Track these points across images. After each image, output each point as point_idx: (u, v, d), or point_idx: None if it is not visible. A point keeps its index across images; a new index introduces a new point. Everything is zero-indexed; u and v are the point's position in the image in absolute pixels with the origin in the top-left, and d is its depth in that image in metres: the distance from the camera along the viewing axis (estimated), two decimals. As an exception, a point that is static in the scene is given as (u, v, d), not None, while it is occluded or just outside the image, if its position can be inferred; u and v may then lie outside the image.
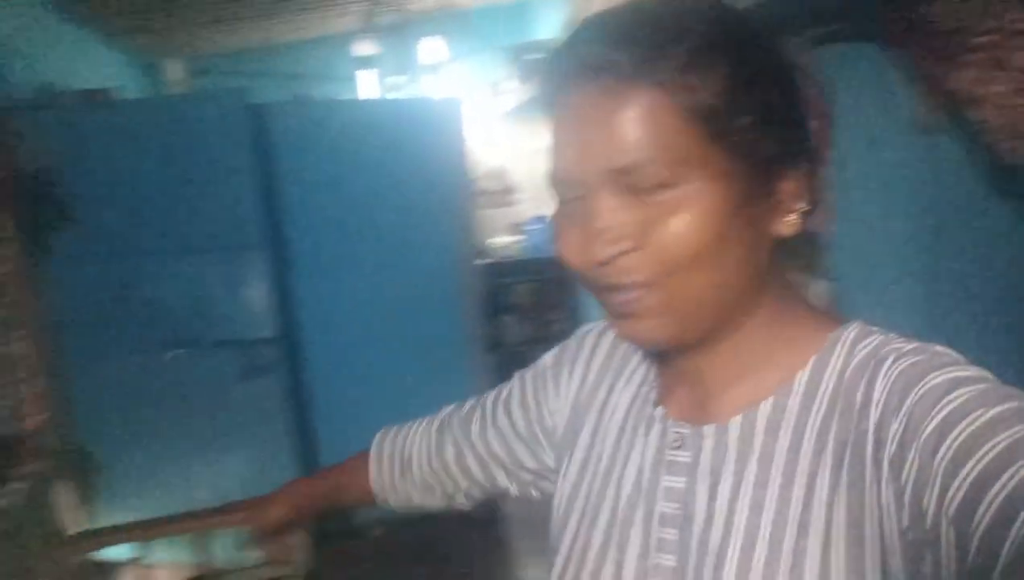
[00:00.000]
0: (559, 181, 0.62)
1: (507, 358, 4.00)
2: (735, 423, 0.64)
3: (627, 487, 0.71)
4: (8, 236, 2.66)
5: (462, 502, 1.01)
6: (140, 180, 3.00)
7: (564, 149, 0.60)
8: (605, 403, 0.77)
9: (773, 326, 0.65)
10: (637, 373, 0.76)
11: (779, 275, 0.65)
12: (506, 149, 4.77)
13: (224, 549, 3.00)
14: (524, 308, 4.78)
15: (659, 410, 0.71)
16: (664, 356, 0.71)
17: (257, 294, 3.06)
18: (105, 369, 3.17)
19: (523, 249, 4.83)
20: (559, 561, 0.75)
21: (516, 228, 4.92)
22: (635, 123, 0.56)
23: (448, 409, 1.01)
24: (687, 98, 0.55)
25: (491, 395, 0.95)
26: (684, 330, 0.62)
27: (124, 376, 3.17)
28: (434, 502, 1.03)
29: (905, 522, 0.55)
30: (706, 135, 0.56)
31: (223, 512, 1.27)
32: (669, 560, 0.65)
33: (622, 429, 0.74)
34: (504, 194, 5.04)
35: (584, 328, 0.85)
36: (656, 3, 0.58)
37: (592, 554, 0.70)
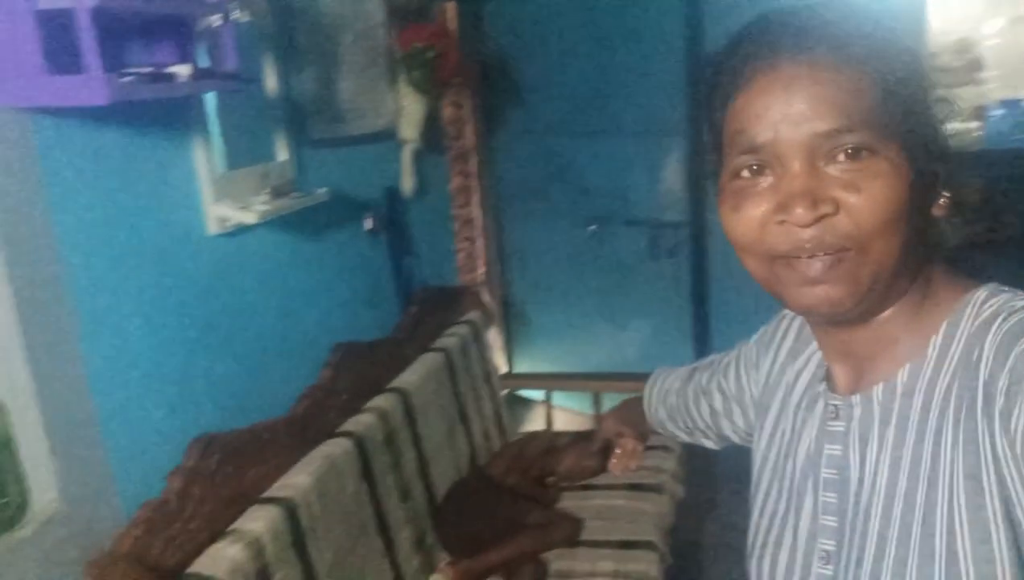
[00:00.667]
0: (754, 147, 0.64)
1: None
2: (878, 391, 0.70)
3: (800, 458, 0.79)
4: (468, 115, 3.10)
5: (702, 441, 1.16)
6: (579, 65, 3.23)
7: (765, 115, 0.63)
8: (789, 383, 0.85)
9: (918, 296, 0.69)
10: (814, 355, 0.83)
11: (930, 251, 0.69)
12: (973, 19, 4.02)
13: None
14: (970, 206, 4.15)
15: (823, 386, 0.78)
16: (826, 333, 0.76)
17: (672, 179, 3.15)
18: (535, 235, 3.60)
19: (979, 138, 4.13)
20: (751, 525, 0.86)
21: (978, 112, 4.20)
22: (844, 92, 0.61)
23: (706, 359, 1.15)
24: (886, 77, 0.62)
25: (721, 356, 1.07)
26: (866, 297, 0.65)
27: (550, 243, 3.56)
28: (680, 433, 1.20)
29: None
30: (900, 111, 0.62)
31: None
32: (831, 521, 0.73)
33: (798, 406, 0.82)
34: (968, 72, 4.31)
35: (783, 311, 0.92)
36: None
37: (777, 520, 0.81)
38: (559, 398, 2.86)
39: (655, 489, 2.39)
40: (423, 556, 2.06)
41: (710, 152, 0.72)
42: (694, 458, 2.65)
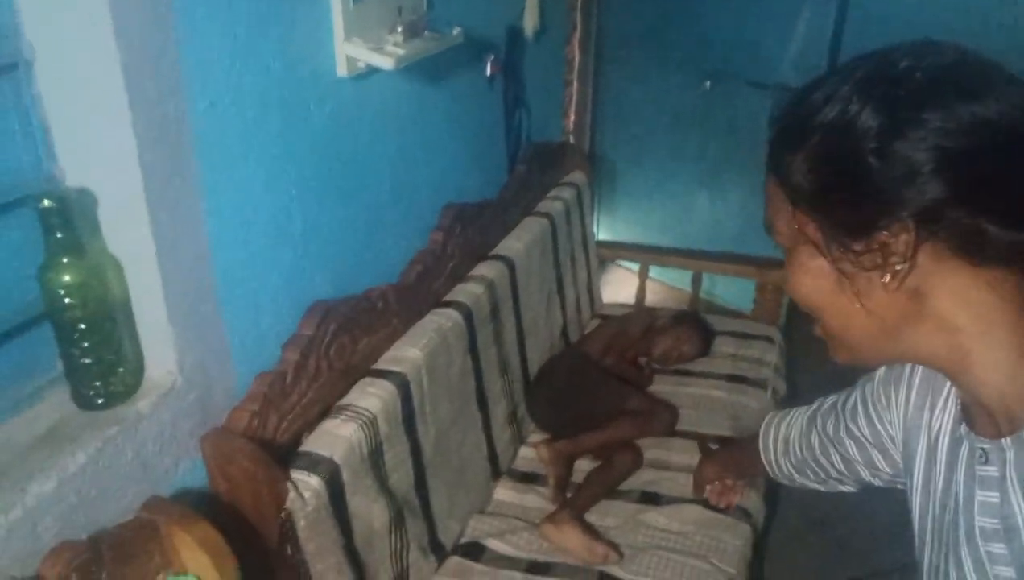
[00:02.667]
0: None
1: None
2: None
3: (951, 506, 0.75)
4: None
5: (839, 488, 1.12)
6: None
7: None
8: (930, 424, 0.82)
9: (998, 335, 0.65)
10: (951, 395, 0.79)
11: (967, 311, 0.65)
12: None
13: (721, 288, 3.15)
14: None
15: (963, 427, 0.74)
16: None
17: (809, 36, 2.78)
18: (639, 87, 3.28)
19: None
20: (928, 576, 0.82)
21: None
22: (769, 196, 0.73)
23: (820, 402, 1.14)
24: (790, 184, 0.68)
25: (843, 398, 1.06)
26: (852, 357, 0.73)
27: (655, 98, 3.26)
28: (810, 484, 1.17)
29: None
30: (801, 211, 0.68)
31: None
32: (1007, 572, 0.68)
33: (943, 450, 0.79)
34: None
35: None
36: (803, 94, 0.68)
37: (941, 574, 0.76)
38: (653, 271, 2.68)
39: (758, 383, 2.26)
40: (514, 429, 1.99)
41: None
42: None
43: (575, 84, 3.04)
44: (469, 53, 1.88)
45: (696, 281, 2.63)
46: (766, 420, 1.28)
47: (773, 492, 2.05)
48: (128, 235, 1.04)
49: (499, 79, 2.09)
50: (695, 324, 2.39)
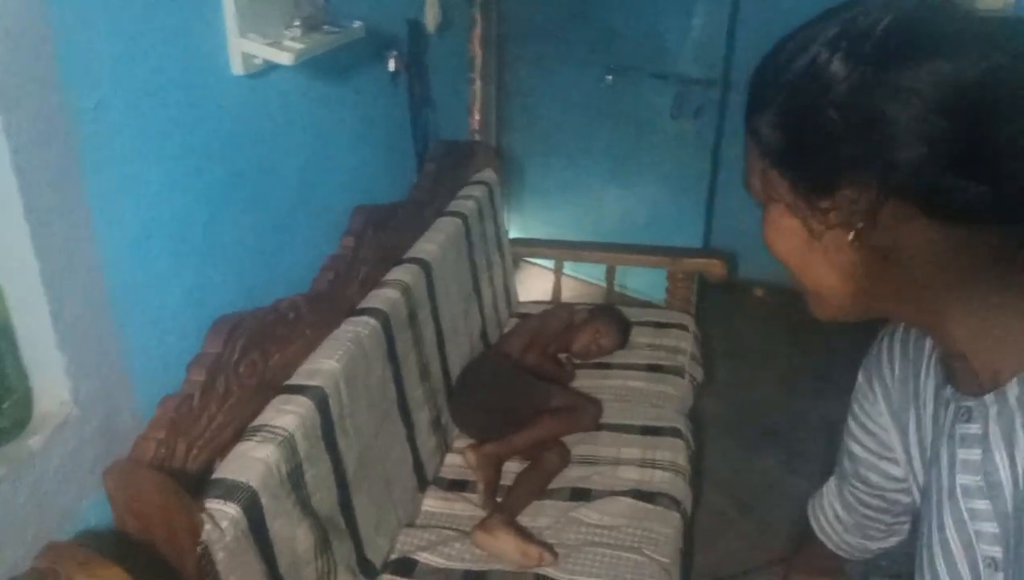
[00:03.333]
0: None
1: None
2: (1012, 387, 0.65)
3: (935, 471, 0.74)
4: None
5: (905, 528, 1.04)
6: None
7: None
8: (916, 394, 0.81)
9: (983, 288, 0.65)
10: (932, 362, 0.78)
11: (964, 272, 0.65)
12: None
13: (633, 281, 3.17)
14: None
15: (948, 389, 0.73)
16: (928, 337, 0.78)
17: (709, 28, 2.84)
18: (543, 82, 3.27)
19: None
20: (919, 545, 0.80)
21: None
22: (747, 154, 0.71)
23: (839, 459, 1.05)
24: (760, 141, 0.67)
25: (843, 439, 0.99)
26: (831, 314, 0.72)
27: (560, 92, 3.26)
28: (884, 540, 1.07)
29: None
30: (772, 169, 0.67)
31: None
32: (990, 527, 0.68)
33: (934, 414, 0.77)
34: None
35: (881, 332, 0.89)
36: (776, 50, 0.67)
37: (933, 536, 0.75)
38: (567, 266, 2.68)
39: (675, 371, 2.28)
40: (439, 437, 1.94)
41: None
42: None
43: (478, 81, 3.00)
44: (371, 49, 1.82)
45: (610, 274, 2.64)
46: (809, 512, 1.19)
47: (698, 476, 2.07)
48: (5, 252, 0.93)
49: (403, 76, 2.03)
50: (612, 317, 2.39)
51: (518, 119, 3.38)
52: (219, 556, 1.11)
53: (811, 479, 2.53)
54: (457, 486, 1.87)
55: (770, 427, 2.80)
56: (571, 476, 1.88)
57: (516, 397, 2.00)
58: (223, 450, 1.25)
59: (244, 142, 1.35)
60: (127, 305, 1.11)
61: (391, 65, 1.93)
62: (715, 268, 2.48)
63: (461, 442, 1.99)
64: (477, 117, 3.07)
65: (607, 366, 2.31)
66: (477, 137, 2.86)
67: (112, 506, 1.07)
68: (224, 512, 1.13)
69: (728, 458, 2.61)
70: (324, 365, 1.47)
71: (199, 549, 1.08)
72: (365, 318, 1.64)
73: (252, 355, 1.32)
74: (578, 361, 2.31)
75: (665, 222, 3.15)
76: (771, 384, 3.08)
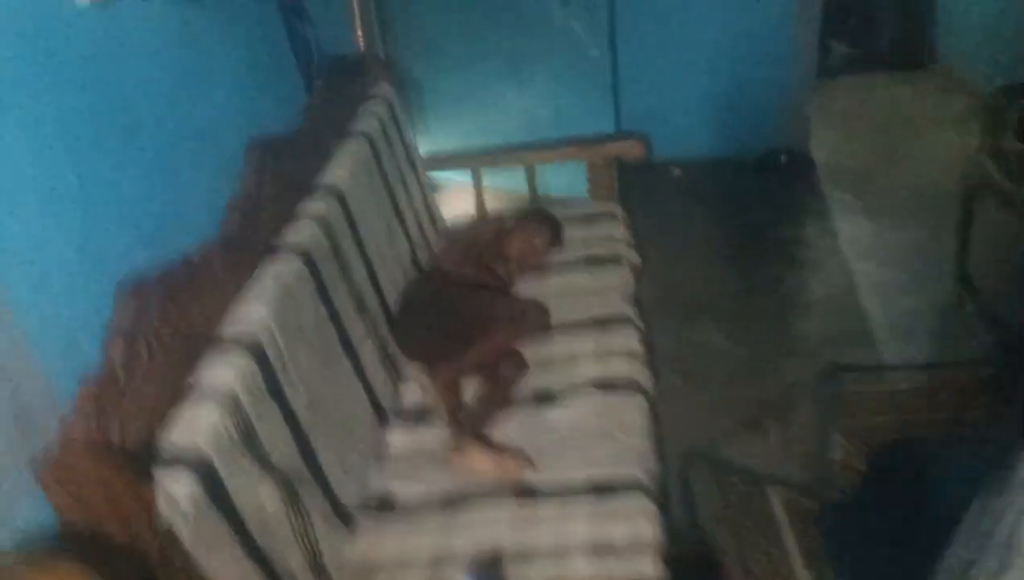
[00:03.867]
0: None
1: None
2: None
3: None
4: None
5: None
6: None
7: None
8: None
9: None
10: None
11: None
12: None
13: (554, 181, 3.08)
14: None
15: None
16: None
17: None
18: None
19: None
20: None
21: None
22: None
23: None
24: None
25: None
26: None
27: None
28: None
29: None
30: None
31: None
32: None
33: None
34: None
35: None
36: None
37: None
38: (484, 179, 2.57)
39: (613, 260, 2.24)
40: (389, 368, 1.85)
41: None
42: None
43: (353, -2, 2.80)
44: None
45: (531, 177, 2.55)
46: None
47: (651, 359, 2.05)
48: None
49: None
50: (542, 217, 2.32)
51: (402, 29, 3.19)
52: (181, 530, 1.01)
53: (750, 345, 2.55)
54: (418, 415, 1.80)
55: (704, 301, 2.82)
56: (532, 382, 1.83)
57: (460, 314, 1.92)
58: (161, 417, 1.13)
59: (104, 82, 1.18)
60: (9, 281, 0.96)
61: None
62: (633, 149, 2.43)
63: (414, 370, 1.91)
64: (359, 31, 2.87)
65: (546, 268, 2.24)
66: (364, 50, 2.67)
67: (52, 502, 0.95)
68: (178, 481, 1.02)
69: (670, 335, 2.62)
70: (252, 312, 1.35)
71: (163, 532, 0.97)
72: (285, 256, 1.51)
73: (169, 312, 1.19)
74: (516, 269, 2.24)
75: (573, 115, 3.06)
76: (698, 259, 3.10)
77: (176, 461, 1.05)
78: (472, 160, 2.54)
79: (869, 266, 2.94)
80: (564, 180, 2.97)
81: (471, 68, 3.19)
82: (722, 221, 3.33)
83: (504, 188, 3.11)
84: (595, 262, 2.23)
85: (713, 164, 3.73)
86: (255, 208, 1.55)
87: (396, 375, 1.88)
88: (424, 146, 3.28)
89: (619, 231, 2.37)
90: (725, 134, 3.70)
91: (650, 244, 2.97)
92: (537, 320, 1.95)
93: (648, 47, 3.39)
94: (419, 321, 1.91)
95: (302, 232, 1.59)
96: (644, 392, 1.78)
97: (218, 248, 1.38)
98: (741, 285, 2.90)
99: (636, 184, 3.11)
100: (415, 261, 2.17)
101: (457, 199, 3.11)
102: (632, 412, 1.70)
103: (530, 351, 1.91)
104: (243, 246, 1.46)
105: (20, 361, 0.96)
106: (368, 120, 2.09)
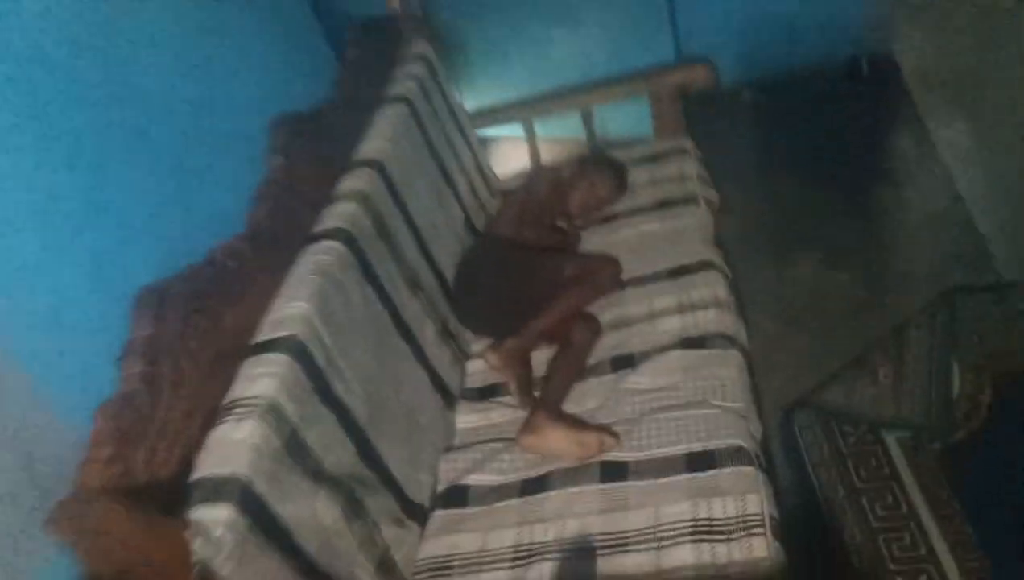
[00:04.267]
0: None
1: None
2: None
3: None
4: None
5: None
6: None
7: None
8: None
9: None
10: None
11: None
12: None
13: (614, 124, 2.87)
14: None
15: None
16: None
17: None
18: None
19: None
20: None
21: None
22: None
23: None
24: None
25: None
26: None
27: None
28: None
29: None
30: None
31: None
32: None
33: None
34: None
35: None
36: None
37: None
38: (539, 129, 2.38)
39: (688, 200, 2.03)
40: (452, 347, 1.72)
41: None
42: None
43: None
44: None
45: (587, 120, 2.35)
46: None
47: (741, 306, 1.85)
48: None
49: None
50: (602, 163, 2.13)
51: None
52: (224, 568, 0.90)
53: (851, 269, 2.26)
54: (488, 393, 1.67)
55: (795, 233, 2.57)
56: (607, 345, 1.67)
57: (524, 280, 1.77)
58: (196, 443, 1.03)
59: (93, 73, 1.06)
60: (12, 308, 0.86)
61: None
62: (700, 75, 2.20)
63: (479, 346, 1.78)
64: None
65: (613, 219, 2.06)
66: (397, 8, 2.51)
67: (76, 556, 0.86)
68: (214, 517, 0.92)
69: (760, 276, 2.39)
70: (292, 310, 1.23)
71: (197, 570, 0.87)
72: (325, 243, 1.39)
73: (197, 322, 1.09)
74: (580, 223, 2.07)
75: (629, 48, 2.82)
76: (781, 189, 2.83)
77: (212, 491, 0.94)
78: (523, 110, 2.35)
79: (973, 175, 2.62)
80: (627, 121, 2.75)
81: (515, 10, 2.97)
82: (804, 144, 3.03)
83: (561, 136, 2.91)
84: (668, 205, 2.03)
85: (786, 82, 3.40)
86: (287, 194, 1.43)
87: (461, 353, 1.76)
88: (471, 102, 3.12)
89: (691, 167, 2.15)
90: (794, 46, 3.37)
91: (727, 178, 2.74)
92: (607, 278, 1.78)
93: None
94: (480, 292, 1.77)
95: (341, 213, 1.46)
96: (737, 345, 1.60)
97: (247, 244, 1.26)
98: (834, 211, 2.63)
99: (703, 115, 2.86)
100: (471, 226, 2.03)
101: (511, 153, 2.94)
102: (726, 369, 1.52)
103: (603, 312, 1.74)
104: (274, 239, 1.34)
105: (27, 405, 0.86)
106: (405, 83, 1.94)
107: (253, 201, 1.35)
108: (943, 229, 2.44)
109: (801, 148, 3.01)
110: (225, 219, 1.30)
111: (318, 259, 1.34)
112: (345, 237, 1.41)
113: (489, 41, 3.11)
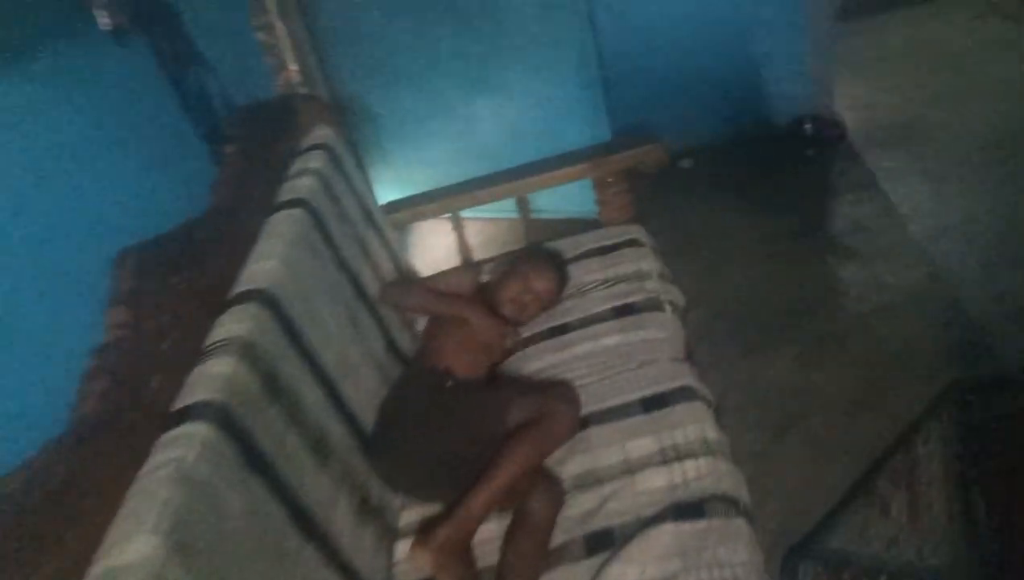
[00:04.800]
0: None
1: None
2: None
3: None
4: None
5: None
6: None
7: None
8: None
9: None
10: None
11: None
12: None
13: (547, 203, 2.54)
14: None
15: None
16: None
17: None
18: (355, 14, 2.56)
19: None
20: None
21: None
22: None
23: None
24: None
25: None
26: None
27: (388, 12, 2.54)
28: None
29: None
30: None
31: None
32: None
33: None
34: None
35: None
36: None
37: None
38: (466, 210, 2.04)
39: (651, 305, 1.71)
40: (375, 524, 1.32)
41: None
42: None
43: (278, 22, 2.29)
44: (58, 5, 1.11)
45: (523, 205, 2.02)
46: None
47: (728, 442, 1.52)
48: None
49: (135, 35, 1.32)
50: (534, 253, 1.82)
51: (344, 58, 2.67)
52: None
53: (833, 364, 1.91)
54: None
55: (764, 323, 2.29)
56: (576, 515, 1.30)
57: (461, 425, 1.39)
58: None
59: None
60: None
61: (104, 21, 1.22)
62: (652, 156, 1.90)
63: (410, 514, 1.39)
64: (293, 67, 2.36)
65: (564, 330, 1.71)
66: (293, 85, 2.16)
67: None
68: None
69: (734, 377, 2.10)
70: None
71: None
72: (187, 429, 0.98)
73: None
74: (519, 326, 1.72)
75: (561, 123, 2.54)
76: (744, 267, 2.56)
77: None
78: (448, 200, 2.00)
79: (946, 246, 2.41)
80: (559, 197, 2.43)
81: (432, 86, 2.66)
82: (758, 218, 2.79)
83: (490, 214, 2.57)
84: (628, 312, 1.70)
85: (725, 150, 3.19)
86: (137, 350, 1.02)
87: (387, 531, 1.36)
88: (387, 190, 2.76)
89: (648, 264, 1.84)
90: (736, 112, 3.17)
91: (679, 260, 2.46)
92: (562, 418, 1.41)
93: (631, 22, 2.84)
94: (405, 442, 1.38)
95: (214, 378, 1.05)
96: (743, 511, 1.26)
97: (65, 455, 0.85)
98: (804, 297, 2.37)
99: (643, 188, 2.58)
100: (395, 351, 1.65)
101: (437, 239, 2.60)
102: (733, 550, 1.18)
103: (564, 464, 1.39)
104: (110, 429, 0.93)
105: None
106: (302, 180, 1.55)
107: (79, 394, 0.93)
108: (927, 309, 2.20)
109: (757, 223, 2.75)
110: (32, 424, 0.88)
111: (178, 456, 0.93)
112: (218, 417, 1.01)
113: (406, 113, 2.79)
